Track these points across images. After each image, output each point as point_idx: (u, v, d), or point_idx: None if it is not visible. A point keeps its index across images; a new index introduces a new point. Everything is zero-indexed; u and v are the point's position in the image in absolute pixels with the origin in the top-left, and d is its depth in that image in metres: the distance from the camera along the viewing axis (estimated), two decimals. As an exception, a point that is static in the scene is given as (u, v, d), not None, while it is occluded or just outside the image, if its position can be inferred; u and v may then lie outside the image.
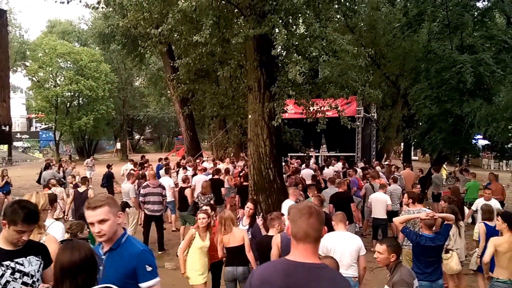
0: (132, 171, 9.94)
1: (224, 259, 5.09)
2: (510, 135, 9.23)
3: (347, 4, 8.07)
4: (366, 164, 14.24)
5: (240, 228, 5.19)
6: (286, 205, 6.37)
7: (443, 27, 12.04)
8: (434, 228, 4.51)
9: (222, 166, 12.23)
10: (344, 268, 4.09)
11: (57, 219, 8.29)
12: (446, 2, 11.77)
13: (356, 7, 8.50)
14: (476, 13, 12.27)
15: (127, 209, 8.01)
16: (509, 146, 11.94)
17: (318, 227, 1.84)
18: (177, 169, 12.01)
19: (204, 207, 5.24)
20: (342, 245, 4.21)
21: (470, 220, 8.93)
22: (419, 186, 8.47)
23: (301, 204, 2.00)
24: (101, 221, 2.21)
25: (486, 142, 12.60)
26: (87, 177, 8.94)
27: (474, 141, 12.18)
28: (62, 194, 8.64)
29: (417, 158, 28.18)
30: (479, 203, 7.14)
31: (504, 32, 11.20)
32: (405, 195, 6.22)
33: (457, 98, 10.59)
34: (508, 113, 8.38)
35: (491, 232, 5.30)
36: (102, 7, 8.32)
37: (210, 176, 10.01)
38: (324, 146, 20.53)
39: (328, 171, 11.70)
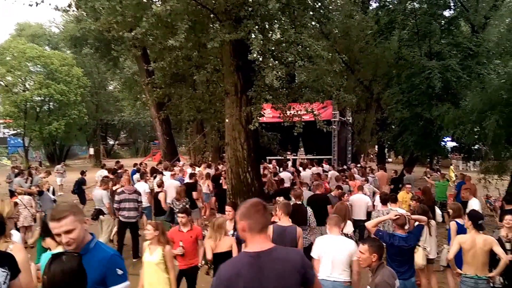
0: (105, 178, 9.72)
1: (201, 265, 5.04)
2: (476, 137, 9.64)
3: (321, 11, 8.25)
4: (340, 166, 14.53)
5: (229, 236, 4.96)
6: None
7: (412, 35, 12.52)
8: (407, 227, 4.66)
9: (198, 171, 12.14)
10: (337, 272, 4.08)
11: (27, 227, 8.12)
12: (415, 11, 12.27)
13: (330, 14, 8.70)
14: (443, 21, 12.84)
15: (101, 216, 7.82)
16: (475, 147, 12.51)
17: (270, 218, 2.23)
18: (154, 175, 11.82)
19: (180, 215, 5.11)
20: (334, 250, 4.16)
21: (440, 219, 9.25)
22: (408, 186, 8.72)
23: (252, 201, 2.20)
24: (68, 232, 2.19)
25: (454, 144, 13.13)
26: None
27: (443, 143, 12.69)
28: (31, 202, 8.39)
29: (390, 160, 28.90)
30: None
31: (469, 40, 11.76)
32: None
33: (427, 102, 11.01)
34: (474, 116, 8.76)
35: (462, 229, 5.55)
36: (73, 10, 8.13)
37: (184, 181, 9.95)
38: (301, 149, 20.78)
39: (305, 174, 11.86)
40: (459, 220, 5.68)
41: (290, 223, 4.80)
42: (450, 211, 6.09)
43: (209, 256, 4.67)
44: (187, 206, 7.34)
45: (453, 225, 5.61)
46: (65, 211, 2.21)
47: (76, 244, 2.24)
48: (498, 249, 4.31)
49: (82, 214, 2.32)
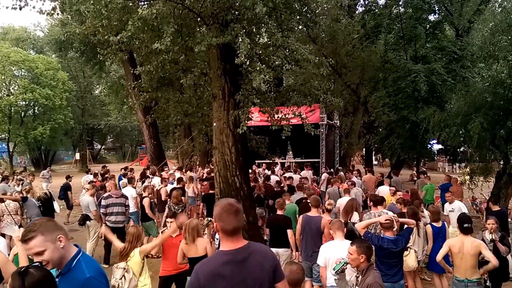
0: (91, 183, 9.57)
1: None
2: (461, 139, 9.77)
3: (308, 15, 8.27)
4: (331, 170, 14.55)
5: (204, 238, 5.01)
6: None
7: (398, 39, 12.68)
8: (394, 229, 4.67)
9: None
10: (347, 276, 4.08)
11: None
12: (401, 15, 12.44)
13: (316, 18, 8.72)
14: (428, 26, 13.05)
15: (87, 222, 7.73)
16: (461, 150, 12.70)
17: (243, 219, 2.26)
18: (143, 179, 11.70)
19: (169, 220, 5.04)
20: (340, 255, 4.12)
21: (428, 221, 9.33)
22: (392, 188, 8.76)
23: (224, 203, 2.22)
24: (38, 253, 2.03)
25: (440, 146, 13.30)
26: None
27: (429, 146, 12.85)
28: (16, 209, 8.22)
29: (376, 163, 29.06)
30: (447, 207, 7.54)
31: (453, 44, 11.97)
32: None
33: (413, 105, 11.15)
34: (459, 119, 8.88)
35: (437, 232, 5.65)
36: (58, 14, 7.98)
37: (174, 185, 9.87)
38: (290, 152, 20.79)
39: (295, 177, 11.88)
40: (436, 224, 5.77)
41: (317, 214, 5.65)
42: (428, 213, 6.19)
43: (179, 260, 4.65)
44: (185, 210, 7.32)
45: (428, 229, 5.72)
46: (32, 232, 2.03)
47: (52, 265, 2.08)
48: (487, 253, 4.34)
49: (55, 231, 2.10)
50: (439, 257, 4.58)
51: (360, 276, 3.52)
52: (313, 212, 5.65)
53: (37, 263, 2.02)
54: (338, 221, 4.64)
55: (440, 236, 5.64)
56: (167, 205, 8.06)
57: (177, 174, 12.25)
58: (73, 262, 2.14)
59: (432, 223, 5.80)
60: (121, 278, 4.31)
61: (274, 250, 5.80)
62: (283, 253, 5.88)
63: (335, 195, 8.98)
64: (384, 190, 9.23)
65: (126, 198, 7.89)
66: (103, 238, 7.99)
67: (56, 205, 9.77)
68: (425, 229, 5.78)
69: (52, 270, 2.10)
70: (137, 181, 11.26)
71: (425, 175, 12.23)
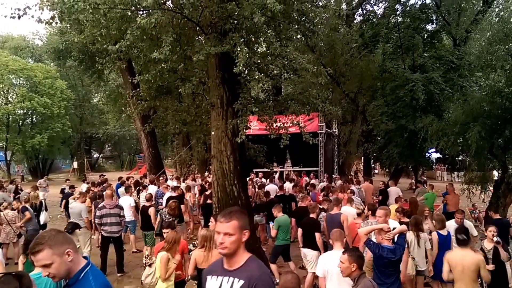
0: (88, 190, 9.50)
1: (187, 279, 4.92)
2: (459, 148, 9.77)
3: (306, 25, 8.31)
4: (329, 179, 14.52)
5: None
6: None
7: (396, 48, 12.76)
8: (389, 237, 4.61)
9: (184, 184, 12.01)
10: (344, 287, 4.01)
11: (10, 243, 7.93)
12: (398, 24, 12.53)
13: (315, 27, 8.76)
14: (425, 35, 13.14)
15: (77, 230, 7.60)
16: (459, 158, 12.69)
17: None
18: (138, 188, 11.63)
19: (165, 230, 5.00)
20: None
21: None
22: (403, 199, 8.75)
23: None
24: (45, 266, 2.04)
25: (438, 155, 13.29)
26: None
27: (427, 155, 12.84)
28: (14, 218, 8.17)
29: (377, 171, 28.96)
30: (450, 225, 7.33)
31: (451, 53, 12.04)
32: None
33: (411, 114, 11.16)
34: (457, 128, 8.89)
35: (442, 240, 5.60)
36: (57, 23, 7.99)
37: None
38: (288, 161, 20.79)
39: (289, 185, 11.92)
40: (442, 232, 5.72)
41: (338, 211, 6.50)
42: (434, 222, 6.14)
43: (191, 271, 4.61)
44: (176, 221, 7.26)
45: (434, 236, 5.67)
46: (40, 244, 2.04)
47: (59, 278, 2.09)
48: (484, 273, 4.29)
49: (63, 245, 2.10)
50: (444, 275, 4.50)
51: (353, 285, 3.52)
52: (334, 211, 6.53)
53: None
54: (338, 230, 4.60)
55: (445, 244, 5.59)
56: (159, 213, 8.01)
57: (174, 183, 12.18)
58: (81, 274, 2.14)
59: (438, 231, 5.75)
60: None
61: (303, 250, 6.29)
62: (309, 253, 6.19)
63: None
64: (393, 191, 9.35)
65: (121, 208, 7.83)
66: (99, 247, 7.92)
67: (43, 216, 9.56)
68: (425, 239, 5.70)
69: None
70: (133, 190, 11.18)
71: (424, 184, 12.19)
